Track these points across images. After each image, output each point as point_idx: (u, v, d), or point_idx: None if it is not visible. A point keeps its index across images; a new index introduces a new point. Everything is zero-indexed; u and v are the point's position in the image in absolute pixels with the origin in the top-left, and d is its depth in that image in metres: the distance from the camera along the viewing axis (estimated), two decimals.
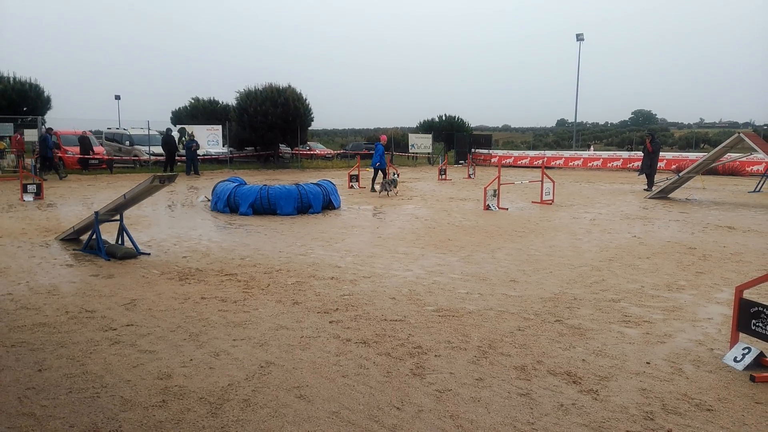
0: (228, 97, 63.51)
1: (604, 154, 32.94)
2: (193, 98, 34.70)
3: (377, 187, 16.20)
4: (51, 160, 19.83)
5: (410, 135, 37.70)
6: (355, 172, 18.49)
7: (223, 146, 28.34)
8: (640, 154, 22.61)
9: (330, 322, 4.80)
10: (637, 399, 3.43)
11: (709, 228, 10.17)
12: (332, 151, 39.76)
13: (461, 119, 41.97)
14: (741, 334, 4.07)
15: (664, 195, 15.64)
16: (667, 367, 3.91)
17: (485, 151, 36.03)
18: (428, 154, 36.46)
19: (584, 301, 5.51)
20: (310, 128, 33.51)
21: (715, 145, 22.97)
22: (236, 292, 5.72)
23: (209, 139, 27.18)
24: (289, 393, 3.46)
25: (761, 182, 18.40)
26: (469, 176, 23.99)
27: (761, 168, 22.41)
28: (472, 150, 34.76)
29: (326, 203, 12.15)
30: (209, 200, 12.85)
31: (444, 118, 41.90)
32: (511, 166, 32.82)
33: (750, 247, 8.41)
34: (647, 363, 3.98)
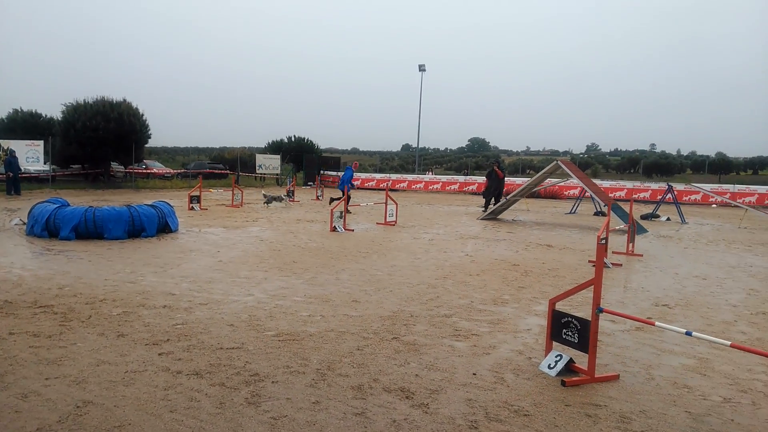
0: (53, 110, 57.68)
1: (444, 178, 35.11)
2: (11, 110, 31.19)
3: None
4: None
5: (257, 155, 37.06)
6: (197, 193, 17.63)
7: (45, 163, 25.57)
8: (477, 179, 24.39)
9: (159, 354, 4.47)
10: (464, 409, 3.62)
11: (531, 246, 11.22)
12: (172, 170, 37.51)
13: (311, 141, 42.25)
14: (554, 343, 4.49)
15: (494, 216, 16.99)
16: (491, 377, 4.19)
17: (334, 173, 36.54)
18: (276, 175, 36.04)
19: (420, 317, 5.75)
20: (147, 145, 31.56)
21: (538, 171, 25.55)
22: (51, 326, 5.11)
23: (29, 155, 24.39)
24: None
25: (576, 204, 20.84)
26: (318, 198, 24.10)
27: (576, 192, 25.34)
28: (321, 172, 35.06)
29: (162, 226, 11.42)
30: (24, 223, 11.45)
31: (293, 139, 41.87)
32: (358, 188, 33.58)
33: (565, 262, 9.40)
34: (474, 374, 4.24)
